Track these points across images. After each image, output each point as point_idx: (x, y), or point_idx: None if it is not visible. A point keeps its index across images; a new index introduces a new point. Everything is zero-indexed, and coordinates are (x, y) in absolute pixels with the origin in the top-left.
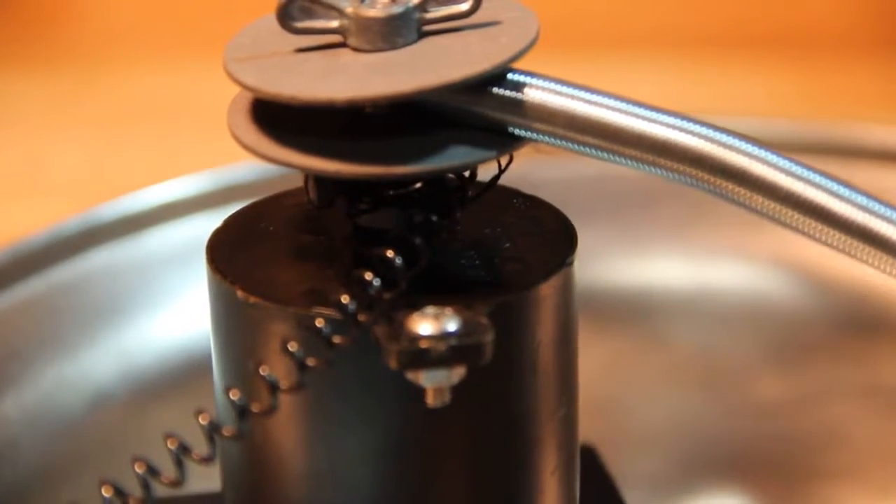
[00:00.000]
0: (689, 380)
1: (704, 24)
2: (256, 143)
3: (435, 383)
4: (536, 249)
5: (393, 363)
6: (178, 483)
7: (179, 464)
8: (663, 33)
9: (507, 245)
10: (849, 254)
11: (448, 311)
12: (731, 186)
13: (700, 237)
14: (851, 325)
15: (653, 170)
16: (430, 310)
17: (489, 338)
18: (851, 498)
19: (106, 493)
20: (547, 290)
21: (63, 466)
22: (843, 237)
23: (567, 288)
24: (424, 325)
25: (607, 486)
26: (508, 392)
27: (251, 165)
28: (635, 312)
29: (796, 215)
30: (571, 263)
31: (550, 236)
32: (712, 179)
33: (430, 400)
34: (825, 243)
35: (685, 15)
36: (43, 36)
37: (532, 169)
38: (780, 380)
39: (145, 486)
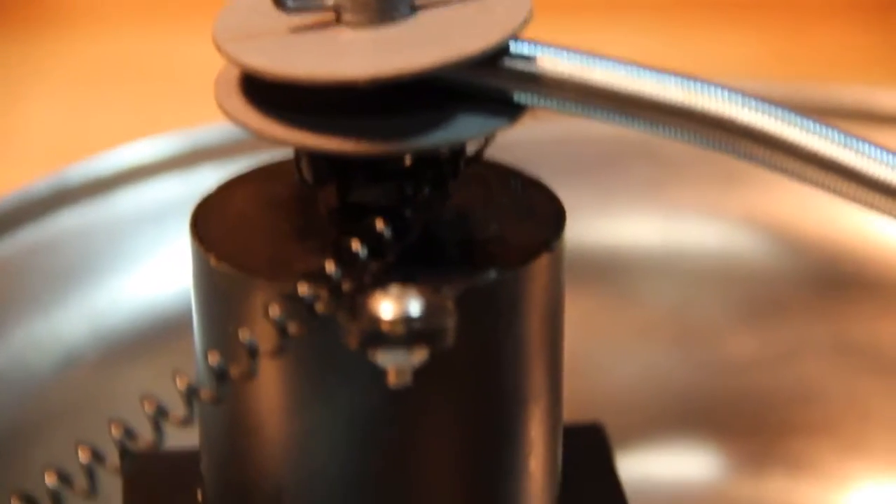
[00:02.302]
0: (662, 338)
1: None
2: (262, 125)
3: (395, 365)
4: (522, 233)
5: (352, 342)
6: (156, 445)
7: (157, 426)
8: None
9: (493, 227)
10: (873, 207)
11: (412, 292)
12: (750, 146)
13: (671, 196)
14: (823, 282)
15: (668, 131)
16: (394, 290)
17: (451, 323)
18: (823, 453)
19: (83, 456)
20: (524, 276)
21: (33, 427)
22: (867, 192)
23: (549, 274)
24: (386, 305)
25: (606, 466)
26: (479, 375)
27: (223, 126)
28: (607, 271)
29: (819, 173)
30: (554, 250)
31: (539, 220)
32: (731, 140)
33: (392, 380)
34: (849, 199)
35: None
36: None
37: (502, 131)
38: (753, 337)
39: (123, 449)
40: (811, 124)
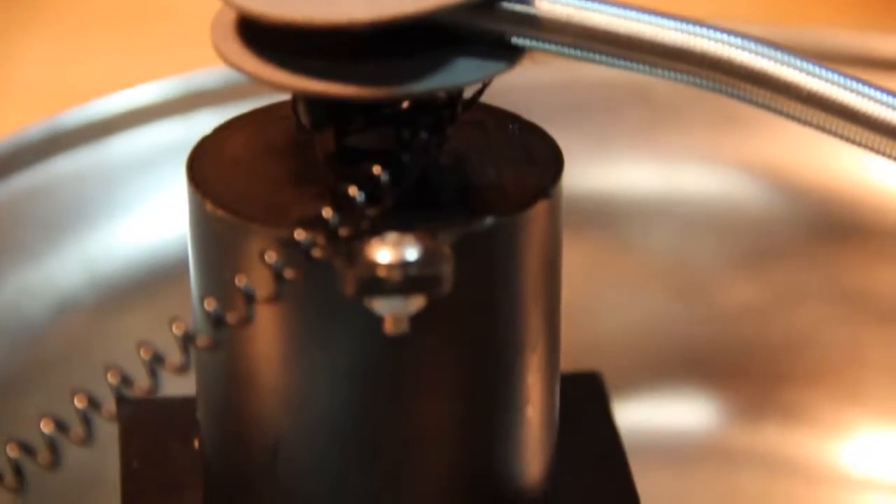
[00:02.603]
0: (658, 285)
1: None
2: (260, 69)
3: (391, 312)
4: (519, 179)
5: (349, 289)
6: (152, 392)
7: (153, 373)
8: None
9: (490, 172)
10: (874, 148)
11: (409, 238)
12: (749, 88)
13: (668, 142)
14: (820, 229)
15: (667, 74)
16: (391, 236)
17: (448, 269)
18: (819, 402)
19: (79, 403)
20: (521, 222)
21: (29, 374)
22: (868, 133)
23: (546, 220)
24: (383, 251)
25: (603, 414)
26: (476, 322)
27: (219, 71)
28: (602, 218)
29: (819, 115)
30: (552, 196)
31: (537, 166)
32: (730, 82)
33: (389, 328)
34: (850, 140)
35: None
36: None
37: (500, 75)
38: (749, 284)
39: (119, 396)
40: (810, 65)
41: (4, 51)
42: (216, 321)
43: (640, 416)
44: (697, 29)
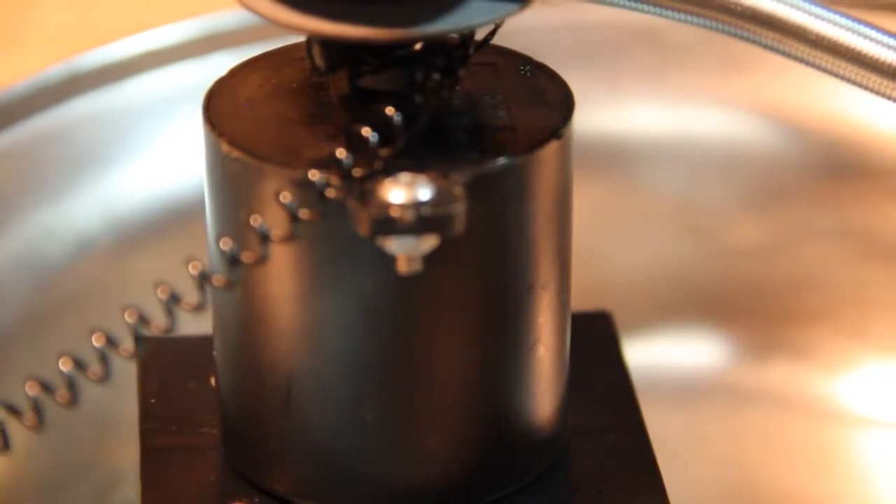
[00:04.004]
0: (667, 225)
1: None
2: (275, 12)
3: (404, 251)
4: (531, 120)
5: (362, 229)
6: (168, 331)
7: (170, 312)
8: None
9: (502, 113)
10: (879, 91)
11: (422, 178)
12: (757, 30)
13: (677, 83)
14: (827, 169)
15: (678, 16)
16: (404, 177)
17: (461, 209)
18: (825, 339)
19: (97, 342)
20: (533, 162)
21: (47, 314)
22: (873, 76)
23: (557, 160)
24: (396, 191)
25: (613, 353)
26: (488, 262)
27: (235, 13)
28: (612, 159)
29: (827, 57)
30: (563, 136)
31: (548, 107)
32: (739, 24)
33: (401, 267)
34: (855, 83)
35: None
36: None
37: (511, 17)
38: (757, 224)
39: (136, 336)
40: (818, 8)
41: None
42: (232, 261)
43: (649, 354)
44: None
